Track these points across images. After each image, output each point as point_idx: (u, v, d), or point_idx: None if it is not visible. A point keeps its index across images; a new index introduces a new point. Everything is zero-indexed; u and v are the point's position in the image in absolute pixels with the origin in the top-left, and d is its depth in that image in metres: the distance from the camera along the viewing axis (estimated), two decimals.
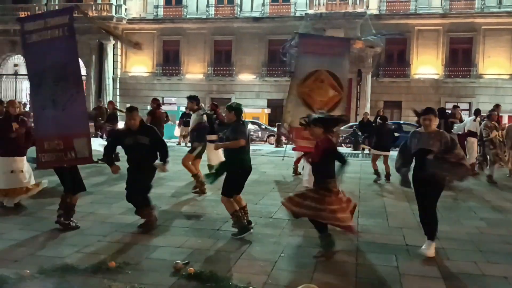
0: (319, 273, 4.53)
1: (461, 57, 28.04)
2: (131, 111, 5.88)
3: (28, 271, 4.21)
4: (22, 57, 33.28)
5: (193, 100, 8.56)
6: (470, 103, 27.65)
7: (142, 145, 5.77)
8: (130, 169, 5.94)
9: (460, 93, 27.74)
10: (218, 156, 10.94)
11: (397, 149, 5.84)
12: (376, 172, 10.54)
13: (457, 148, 5.08)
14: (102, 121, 15.73)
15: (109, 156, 6.17)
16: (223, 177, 5.81)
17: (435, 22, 27.87)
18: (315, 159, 5.06)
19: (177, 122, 20.31)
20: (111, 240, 5.47)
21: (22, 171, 6.91)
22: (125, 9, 31.68)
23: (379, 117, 12.68)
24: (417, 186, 5.25)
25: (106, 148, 6.27)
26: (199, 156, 8.57)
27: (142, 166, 5.82)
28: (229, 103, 6.11)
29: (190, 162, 8.43)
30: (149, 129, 6.02)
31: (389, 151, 10.79)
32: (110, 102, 15.11)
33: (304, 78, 8.18)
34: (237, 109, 5.82)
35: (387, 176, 10.40)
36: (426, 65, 28.08)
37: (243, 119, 5.92)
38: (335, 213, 4.81)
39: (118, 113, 14.09)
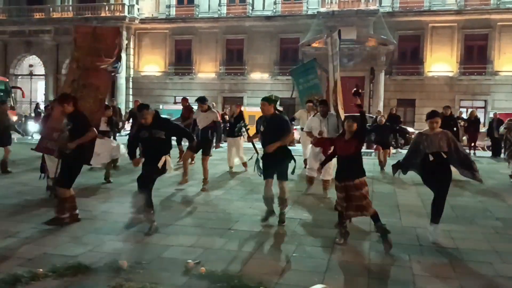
0: (331, 273, 4.49)
1: (476, 54, 27.62)
2: (140, 110, 5.93)
3: (41, 270, 4.25)
4: (37, 58, 33.74)
5: (205, 101, 8.88)
6: (485, 101, 27.29)
7: (157, 139, 5.85)
8: (145, 162, 6.00)
9: (475, 91, 27.36)
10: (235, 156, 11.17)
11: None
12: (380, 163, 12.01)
13: (462, 148, 5.69)
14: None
15: (131, 149, 6.24)
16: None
17: (450, 19, 27.49)
18: (349, 151, 5.33)
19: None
20: (123, 239, 5.50)
21: None
22: (138, 9, 31.86)
23: (389, 116, 13.03)
24: (432, 181, 5.59)
25: (128, 143, 6.55)
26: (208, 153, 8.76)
27: (156, 159, 5.87)
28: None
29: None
30: (163, 122, 6.06)
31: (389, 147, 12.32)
32: (136, 102, 15.36)
33: (334, 86, 8.82)
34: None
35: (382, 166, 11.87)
36: (440, 62, 27.72)
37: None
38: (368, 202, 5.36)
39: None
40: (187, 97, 13.55)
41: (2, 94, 24.10)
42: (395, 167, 5.91)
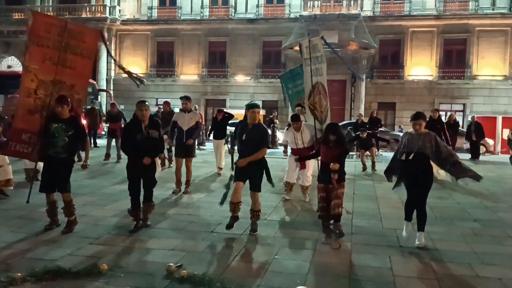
0: (312, 275, 4.51)
1: (455, 59, 28.11)
2: (143, 102, 5.92)
3: (19, 274, 4.16)
4: (16, 59, 33.14)
5: (190, 100, 8.78)
6: (464, 104, 27.81)
7: (153, 139, 5.92)
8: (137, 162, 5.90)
9: (454, 94, 27.85)
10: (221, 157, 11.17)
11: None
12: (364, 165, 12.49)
13: (445, 147, 5.64)
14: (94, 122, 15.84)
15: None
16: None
17: (429, 23, 27.94)
18: (333, 159, 5.51)
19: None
20: (103, 242, 5.43)
21: (9, 164, 7.82)
22: (119, 10, 31.56)
23: (370, 119, 13.38)
24: (410, 183, 5.62)
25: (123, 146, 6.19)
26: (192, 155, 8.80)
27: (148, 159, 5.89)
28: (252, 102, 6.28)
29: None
30: (157, 123, 6.14)
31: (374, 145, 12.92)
32: (112, 105, 15.15)
33: (309, 91, 8.67)
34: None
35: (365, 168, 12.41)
36: (420, 66, 28.15)
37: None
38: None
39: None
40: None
41: (92, 97, 23.12)
42: (387, 173, 5.93)
